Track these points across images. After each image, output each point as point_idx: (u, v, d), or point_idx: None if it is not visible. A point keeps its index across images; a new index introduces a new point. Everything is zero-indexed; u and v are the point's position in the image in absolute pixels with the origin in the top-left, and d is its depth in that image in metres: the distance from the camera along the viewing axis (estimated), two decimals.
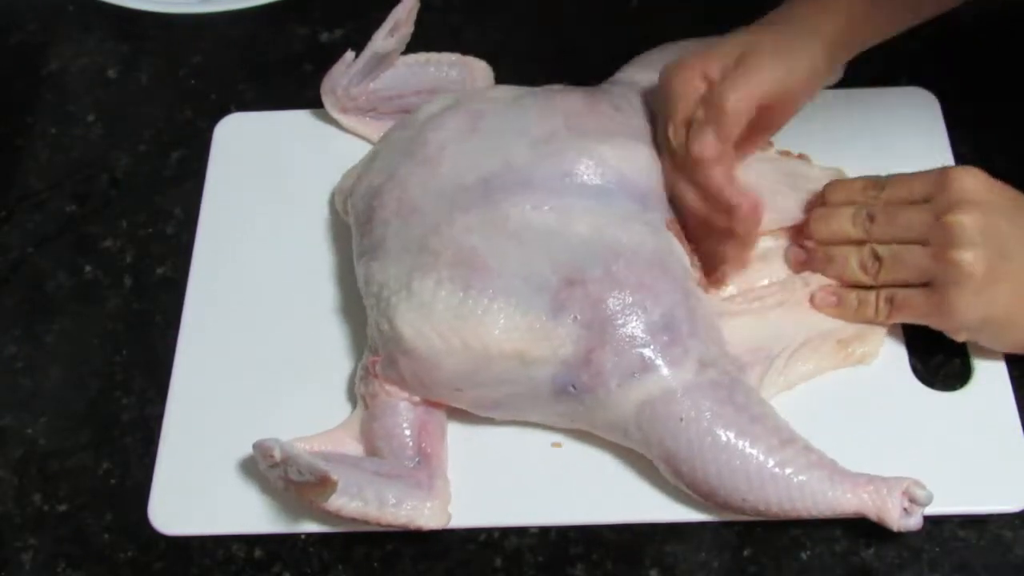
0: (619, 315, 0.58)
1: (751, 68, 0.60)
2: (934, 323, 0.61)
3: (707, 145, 0.59)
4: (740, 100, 0.59)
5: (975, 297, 0.58)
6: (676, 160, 0.62)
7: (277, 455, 0.56)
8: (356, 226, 0.66)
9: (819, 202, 0.65)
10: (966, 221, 0.58)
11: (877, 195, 0.62)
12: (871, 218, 0.62)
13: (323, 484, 0.55)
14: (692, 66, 0.61)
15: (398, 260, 0.61)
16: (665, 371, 0.57)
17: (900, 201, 0.61)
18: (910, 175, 0.62)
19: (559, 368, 0.58)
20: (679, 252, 0.62)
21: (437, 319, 0.58)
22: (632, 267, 0.59)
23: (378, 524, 0.58)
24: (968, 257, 0.57)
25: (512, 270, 0.59)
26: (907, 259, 0.60)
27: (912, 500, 0.56)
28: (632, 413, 0.58)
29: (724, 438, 0.57)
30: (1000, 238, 0.58)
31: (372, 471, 0.59)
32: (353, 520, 0.58)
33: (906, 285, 0.61)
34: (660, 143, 0.64)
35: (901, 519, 0.56)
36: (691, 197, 0.62)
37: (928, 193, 0.60)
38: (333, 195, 0.72)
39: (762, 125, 0.62)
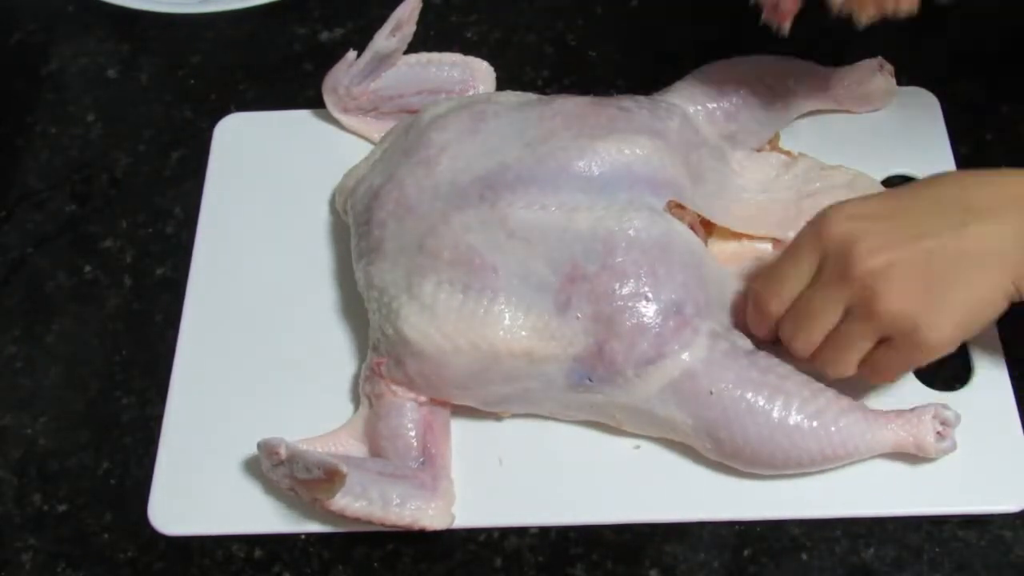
0: (623, 307, 0.58)
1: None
2: (925, 360, 0.57)
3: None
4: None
5: (935, 316, 0.54)
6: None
7: (283, 452, 0.56)
8: (355, 227, 0.66)
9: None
10: (873, 272, 0.54)
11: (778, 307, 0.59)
12: (792, 336, 0.58)
13: (331, 479, 0.55)
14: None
15: (396, 262, 0.61)
16: (680, 354, 0.58)
17: (802, 296, 0.58)
18: (779, 263, 0.59)
19: (572, 364, 0.58)
20: (682, 231, 0.61)
21: (441, 321, 0.59)
22: (630, 257, 0.59)
23: (382, 524, 0.58)
24: (899, 303, 0.54)
25: (511, 269, 0.59)
26: (848, 343, 0.57)
27: (943, 423, 0.59)
28: (656, 395, 0.58)
29: (758, 399, 0.58)
30: (900, 240, 0.55)
31: (376, 471, 0.59)
32: (356, 520, 0.58)
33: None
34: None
35: (937, 444, 0.59)
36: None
37: (815, 266, 0.57)
38: (333, 195, 0.72)
39: None
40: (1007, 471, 0.60)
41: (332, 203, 0.72)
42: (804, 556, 0.59)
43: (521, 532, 0.60)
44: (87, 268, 0.72)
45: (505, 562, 0.60)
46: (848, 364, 0.57)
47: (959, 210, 0.55)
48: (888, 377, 0.59)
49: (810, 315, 0.57)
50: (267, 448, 0.57)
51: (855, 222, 0.56)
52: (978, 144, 0.72)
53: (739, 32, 0.77)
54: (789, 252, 0.59)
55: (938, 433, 0.59)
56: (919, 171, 0.70)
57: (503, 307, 0.58)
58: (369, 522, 0.58)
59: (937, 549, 0.59)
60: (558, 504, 0.60)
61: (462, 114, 0.65)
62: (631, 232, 0.59)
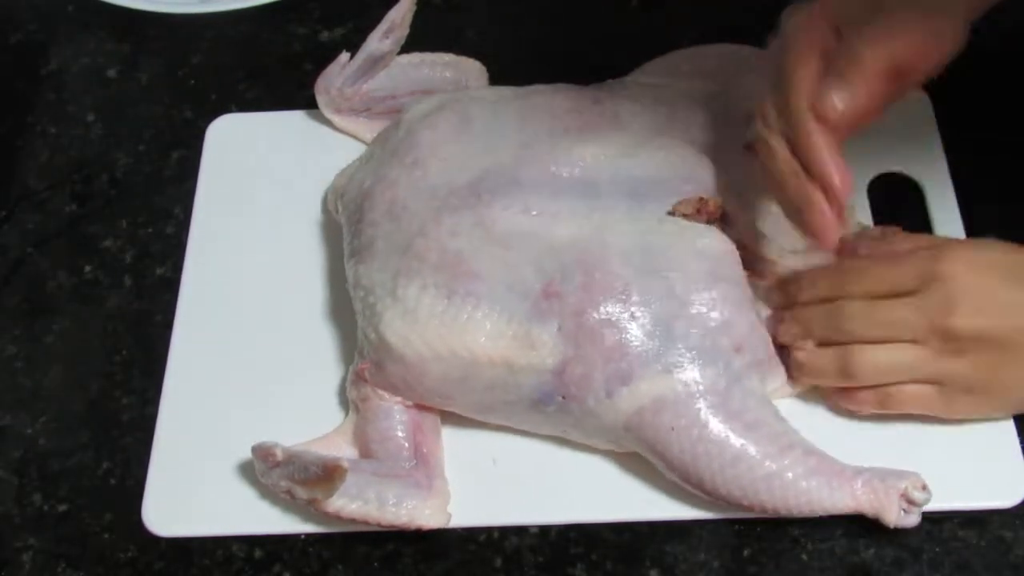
0: (605, 323, 0.57)
1: (892, 22, 0.53)
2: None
3: (847, 100, 0.52)
4: (878, 60, 0.52)
5: (990, 395, 0.58)
6: (776, 110, 0.55)
7: (279, 454, 0.56)
8: (347, 227, 0.65)
9: (782, 301, 0.61)
10: (962, 326, 0.55)
11: (850, 286, 0.58)
12: (848, 317, 0.57)
13: (331, 476, 0.55)
14: (819, 13, 0.55)
15: (385, 263, 0.61)
16: (656, 379, 0.56)
17: (879, 295, 0.57)
18: (886, 262, 0.58)
19: (546, 377, 0.57)
20: (677, 245, 0.59)
21: (422, 326, 0.58)
22: (618, 274, 0.57)
23: (378, 525, 0.58)
24: (970, 367, 0.56)
25: (497, 276, 0.58)
26: (901, 362, 0.57)
27: (910, 502, 0.57)
28: (622, 422, 0.57)
29: (716, 449, 0.56)
30: (1001, 311, 0.55)
31: (371, 472, 0.59)
32: (353, 521, 0.58)
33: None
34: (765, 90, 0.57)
35: (899, 519, 0.57)
36: (780, 153, 0.55)
37: (911, 286, 0.56)
38: (326, 195, 0.71)
39: (888, 94, 0.55)
40: (1001, 467, 0.60)
41: (325, 204, 0.72)
42: (804, 556, 0.59)
43: (521, 532, 0.60)
44: (87, 268, 0.72)
45: (505, 562, 0.60)
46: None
47: None
48: (906, 409, 0.59)
49: (880, 324, 0.57)
50: (262, 452, 0.57)
51: (973, 272, 0.56)
52: (970, 143, 0.72)
53: (740, 33, 0.77)
54: (891, 260, 0.58)
55: (902, 510, 0.57)
56: (910, 170, 0.70)
57: (486, 314, 0.58)
58: (366, 523, 0.58)
59: (937, 549, 0.59)
60: (558, 504, 0.60)
61: (449, 113, 0.64)
62: (621, 248, 0.58)
